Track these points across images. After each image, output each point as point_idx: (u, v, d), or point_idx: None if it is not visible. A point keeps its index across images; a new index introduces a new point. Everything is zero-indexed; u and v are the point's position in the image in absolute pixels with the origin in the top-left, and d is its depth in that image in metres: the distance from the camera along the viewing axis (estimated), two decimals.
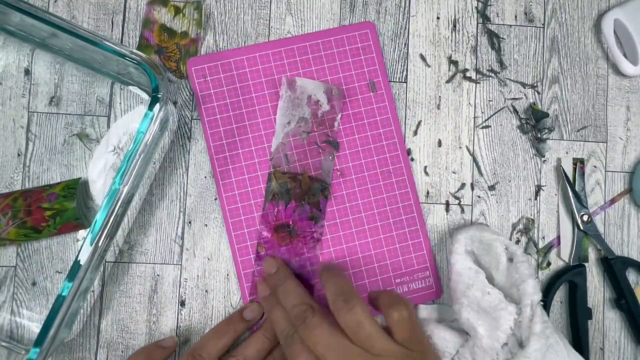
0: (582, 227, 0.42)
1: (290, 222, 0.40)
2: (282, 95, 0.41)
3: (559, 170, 0.42)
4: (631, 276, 0.42)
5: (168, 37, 0.42)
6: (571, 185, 0.42)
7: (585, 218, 0.42)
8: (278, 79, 0.42)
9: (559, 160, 0.43)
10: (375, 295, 0.35)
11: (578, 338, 0.41)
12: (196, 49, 0.42)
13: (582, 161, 0.42)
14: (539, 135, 0.43)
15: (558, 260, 0.42)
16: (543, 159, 0.43)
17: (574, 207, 0.42)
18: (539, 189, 0.43)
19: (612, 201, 0.43)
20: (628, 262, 0.42)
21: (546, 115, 0.43)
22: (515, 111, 0.43)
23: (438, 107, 0.43)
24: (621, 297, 0.41)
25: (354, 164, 0.42)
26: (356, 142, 0.42)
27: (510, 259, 0.37)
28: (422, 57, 0.43)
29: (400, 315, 0.32)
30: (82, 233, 0.40)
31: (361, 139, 0.42)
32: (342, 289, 0.33)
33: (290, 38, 0.42)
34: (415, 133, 0.43)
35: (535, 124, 0.43)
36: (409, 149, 0.43)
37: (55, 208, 0.38)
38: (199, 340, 0.38)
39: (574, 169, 0.42)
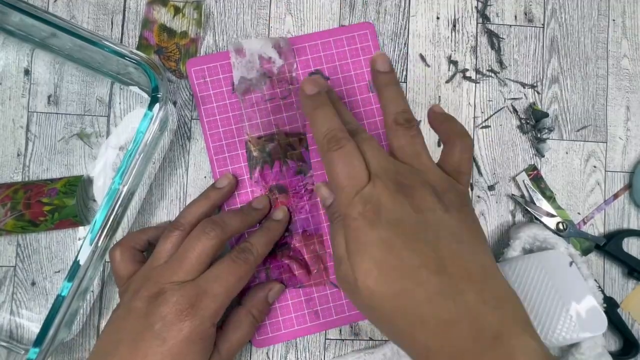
0: (563, 235, 0.42)
1: (282, 183, 0.40)
2: (234, 64, 0.41)
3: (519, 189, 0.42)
4: (633, 247, 0.43)
5: (168, 37, 0.42)
6: (528, 206, 0.42)
7: (560, 226, 0.42)
8: None
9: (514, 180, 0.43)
10: (442, 117, 0.34)
11: (618, 329, 0.41)
12: (196, 48, 0.42)
13: (534, 168, 0.42)
14: (539, 135, 0.43)
15: None
16: (543, 158, 0.43)
17: (544, 222, 0.42)
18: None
19: (615, 196, 0.43)
20: (619, 238, 0.42)
21: (546, 115, 0.43)
22: (515, 111, 0.43)
23: None
24: (632, 270, 0.42)
25: None
26: None
27: (570, 262, 0.38)
28: (422, 57, 0.43)
29: (465, 145, 0.32)
30: (81, 232, 0.40)
31: None
32: (405, 109, 0.32)
33: (289, 38, 0.42)
34: None
35: (535, 124, 0.43)
36: None
37: (54, 204, 0.38)
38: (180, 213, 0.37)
39: (525, 184, 0.42)
